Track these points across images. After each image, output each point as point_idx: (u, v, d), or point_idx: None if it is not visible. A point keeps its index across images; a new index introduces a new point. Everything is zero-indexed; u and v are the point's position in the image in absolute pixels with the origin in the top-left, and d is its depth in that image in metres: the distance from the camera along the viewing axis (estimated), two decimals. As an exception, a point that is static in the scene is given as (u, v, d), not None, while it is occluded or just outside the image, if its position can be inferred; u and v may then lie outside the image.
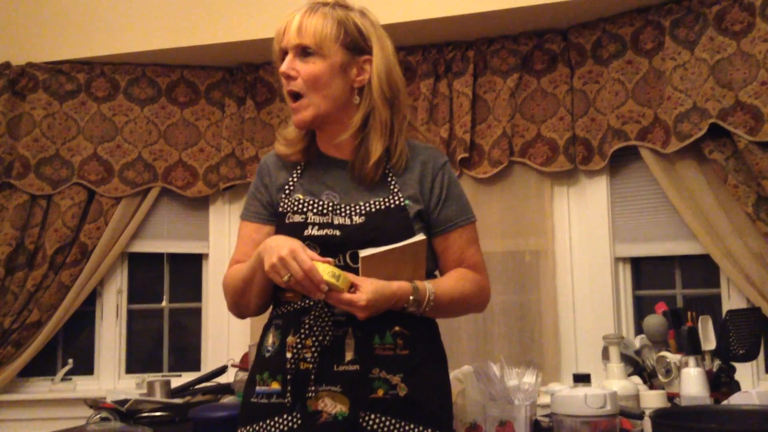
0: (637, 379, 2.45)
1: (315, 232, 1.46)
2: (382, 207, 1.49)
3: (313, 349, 1.42)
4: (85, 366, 3.40)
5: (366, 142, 1.52)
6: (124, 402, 2.60)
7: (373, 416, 1.40)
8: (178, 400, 2.70)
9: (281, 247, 1.36)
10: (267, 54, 3.27)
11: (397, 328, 1.46)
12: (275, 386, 1.46)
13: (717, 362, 2.40)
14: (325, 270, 1.33)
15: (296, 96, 1.50)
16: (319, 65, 1.48)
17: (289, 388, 1.43)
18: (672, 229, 2.85)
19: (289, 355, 1.44)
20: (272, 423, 1.44)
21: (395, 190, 1.52)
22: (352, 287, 1.37)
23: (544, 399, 2.28)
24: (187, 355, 3.50)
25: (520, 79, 3.05)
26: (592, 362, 2.83)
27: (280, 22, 1.53)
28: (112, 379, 3.37)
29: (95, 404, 2.55)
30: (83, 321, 3.41)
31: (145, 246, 3.43)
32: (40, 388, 3.34)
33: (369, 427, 1.40)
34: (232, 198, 3.43)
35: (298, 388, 1.42)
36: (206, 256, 3.47)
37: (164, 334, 3.51)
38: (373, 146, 1.50)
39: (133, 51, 3.24)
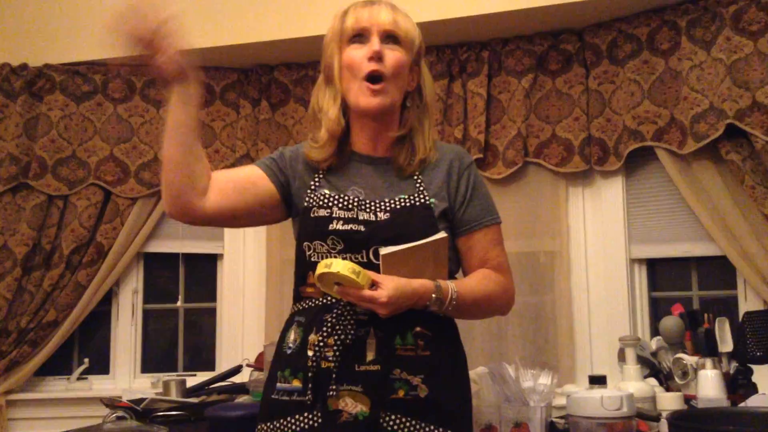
0: (653, 381, 2.44)
1: (340, 226, 1.46)
2: (407, 204, 1.49)
3: (335, 348, 1.42)
4: (101, 365, 3.42)
5: (411, 140, 1.56)
6: (139, 401, 2.62)
7: (393, 417, 1.40)
8: (193, 399, 2.71)
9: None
10: (282, 55, 3.28)
11: (418, 329, 1.45)
12: (296, 384, 1.46)
13: (734, 364, 2.38)
14: (345, 266, 1.32)
15: (377, 78, 1.50)
16: (404, 56, 1.53)
17: (310, 387, 1.43)
18: (688, 230, 2.83)
19: (310, 353, 1.44)
20: (293, 420, 1.44)
21: (421, 188, 1.53)
22: (374, 285, 1.36)
23: (560, 400, 2.27)
24: (202, 354, 3.52)
25: (534, 79, 3.04)
26: (607, 364, 2.82)
27: (360, 7, 1.55)
28: (127, 378, 3.39)
29: (111, 403, 2.57)
30: (99, 321, 3.43)
31: (160, 246, 3.44)
32: (57, 387, 3.36)
33: (389, 428, 1.40)
34: (246, 198, 3.44)
35: (319, 386, 1.42)
36: (221, 256, 3.48)
37: (179, 333, 3.53)
38: (419, 146, 1.56)
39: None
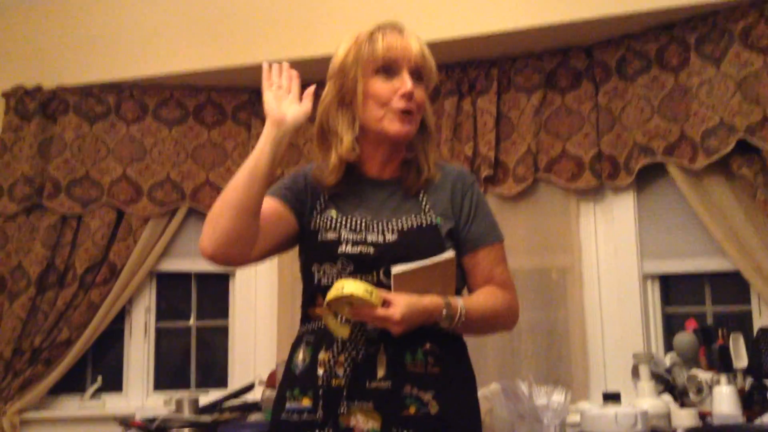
0: (667, 397, 2.43)
1: (349, 249, 1.47)
2: (415, 225, 1.50)
3: (346, 365, 1.43)
4: (114, 383, 3.42)
5: (417, 160, 1.58)
6: (153, 420, 2.63)
7: None
8: (206, 418, 2.72)
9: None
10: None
11: (428, 346, 1.46)
12: (306, 403, 1.46)
13: (749, 380, 2.37)
14: (358, 287, 1.34)
15: (410, 112, 1.54)
16: (424, 93, 1.58)
17: (321, 404, 1.43)
18: (701, 246, 2.82)
19: (321, 371, 1.45)
20: None
21: (426, 208, 1.54)
22: (385, 303, 1.37)
23: (574, 417, 2.26)
24: (214, 372, 3.52)
25: (544, 96, 3.05)
26: (620, 380, 2.80)
27: (390, 34, 1.56)
28: (140, 396, 3.40)
29: (125, 422, 2.58)
30: (112, 339, 3.44)
31: (173, 265, 3.46)
32: (70, 405, 3.37)
33: None
34: (258, 217, 3.45)
35: (330, 404, 1.43)
36: (233, 274, 3.49)
37: (192, 351, 3.53)
38: (424, 165, 1.57)
39: (161, 74, 3.29)
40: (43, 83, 3.33)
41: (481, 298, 1.54)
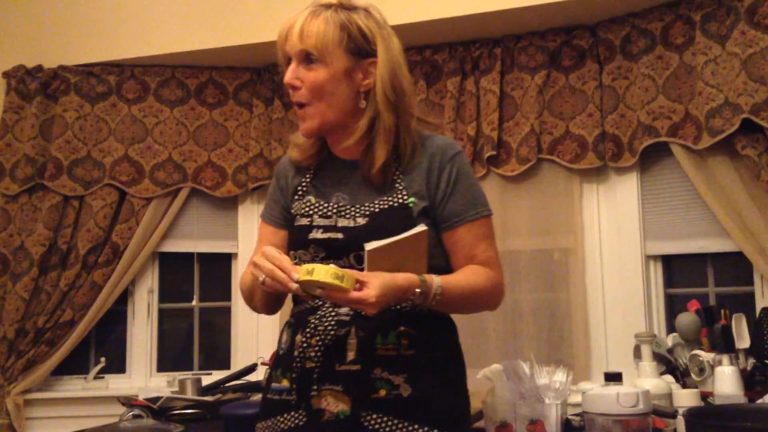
0: (669, 377, 2.43)
1: (319, 235, 1.47)
2: (386, 207, 1.47)
3: (317, 348, 1.44)
4: (117, 364, 3.45)
5: (372, 147, 1.49)
6: (156, 399, 2.64)
7: (375, 416, 1.40)
8: (209, 398, 2.73)
9: (255, 252, 1.41)
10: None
11: (402, 328, 1.44)
12: (285, 383, 1.48)
13: (751, 360, 2.37)
14: (328, 271, 1.29)
15: (301, 105, 1.49)
16: (323, 73, 1.46)
17: (294, 386, 1.45)
18: (704, 226, 2.81)
19: (296, 353, 1.47)
20: (281, 419, 1.47)
21: (400, 188, 1.49)
22: (359, 284, 1.32)
23: (575, 398, 2.27)
24: (217, 353, 3.53)
25: (548, 75, 3.03)
26: (622, 361, 2.80)
27: (282, 24, 1.51)
28: (143, 377, 3.41)
29: (128, 402, 2.59)
30: (115, 320, 3.45)
31: (175, 246, 3.46)
32: (74, 386, 3.39)
33: (371, 427, 1.39)
34: (260, 198, 3.45)
35: (304, 386, 1.44)
36: (235, 255, 3.49)
37: (195, 332, 3.55)
38: (378, 152, 1.48)
39: (162, 53, 3.27)
40: (44, 63, 3.32)
41: (462, 276, 1.48)
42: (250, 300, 1.61)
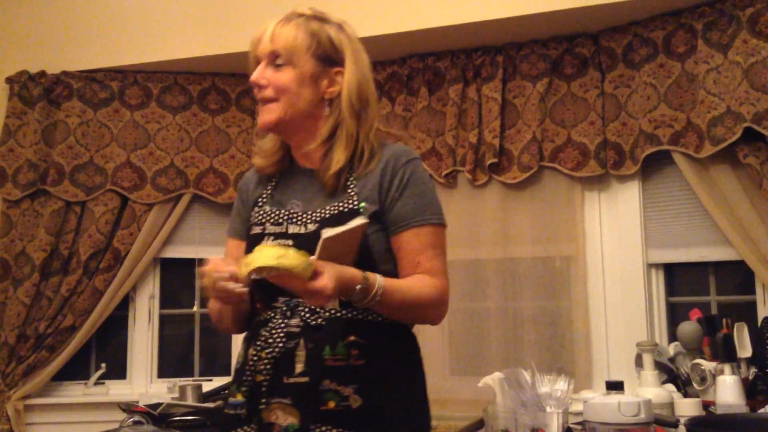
0: (671, 386, 2.43)
1: (270, 243, 1.46)
2: (336, 212, 1.46)
3: (266, 361, 1.43)
4: (118, 370, 3.44)
5: (330, 152, 1.50)
6: (156, 406, 2.63)
7: (324, 428, 1.38)
8: (209, 404, 2.72)
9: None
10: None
11: (352, 338, 1.42)
12: (239, 398, 1.47)
13: (753, 370, 2.36)
14: (269, 255, 1.24)
15: (264, 102, 1.52)
16: (289, 74, 1.49)
17: (244, 401, 1.45)
18: (706, 235, 2.81)
19: (247, 367, 1.47)
20: None
21: (353, 193, 1.48)
22: (314, 274, 1.27)
23: (576, 406, 2.26)
24: (218, 359, 3.53)
25: (549, 83, 3.03)
26: (624, 370, 2.80)
27: (255, 31, 1.55)
28: (144, 383, 3.41)
29: (128, 408, 2.58)
30: (116, 326, 3.45)
31: (176, 252, 3.46)
32: (74, 391, 3.39)
33: None
34: (262, 204, 3.45)
35: (254, 399, 1.43)
36: (237, 261, 3.49)
37: (195, 338, 3.54)
38: (336, 156, 1.49)
39: (165, 59, 3.28)
40: (47, 69, 3.33)
41: (407, 282, 1.45)
42: (220, 322, 1.60)
